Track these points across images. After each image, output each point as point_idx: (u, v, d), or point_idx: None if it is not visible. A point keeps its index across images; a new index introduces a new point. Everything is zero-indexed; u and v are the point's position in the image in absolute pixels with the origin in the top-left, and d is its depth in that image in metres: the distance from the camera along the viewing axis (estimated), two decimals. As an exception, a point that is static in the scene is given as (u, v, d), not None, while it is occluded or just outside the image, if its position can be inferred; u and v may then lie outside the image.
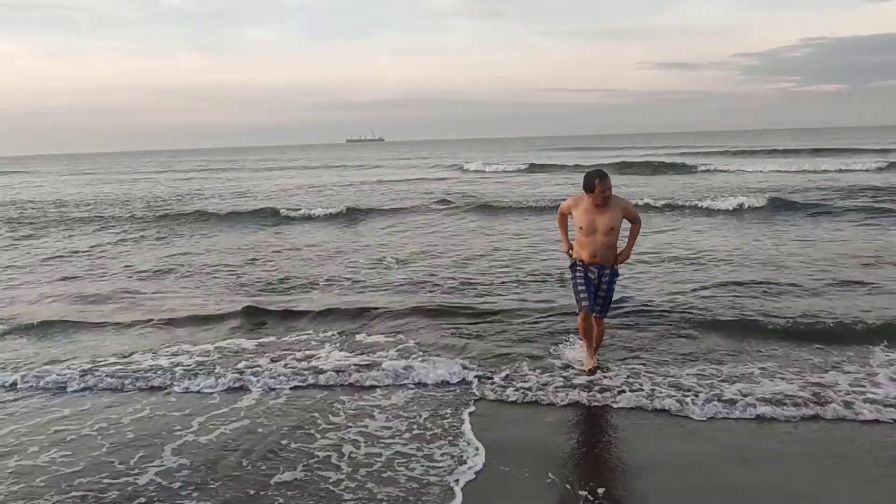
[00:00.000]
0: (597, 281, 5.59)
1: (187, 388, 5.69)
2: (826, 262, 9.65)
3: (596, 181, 5.30)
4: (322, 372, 5.88)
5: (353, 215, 17.58)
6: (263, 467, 4.25)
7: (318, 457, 4.37)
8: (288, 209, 18.63)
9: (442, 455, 4.35)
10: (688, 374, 5.52)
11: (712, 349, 6.16)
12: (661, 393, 5.15)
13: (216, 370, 6.01)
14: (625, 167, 31.78)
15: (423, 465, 4.22)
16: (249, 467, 4.25)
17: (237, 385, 5.69)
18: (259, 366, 6.06)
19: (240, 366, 6.08)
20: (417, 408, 5.14)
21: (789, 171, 26.78)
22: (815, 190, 19.26)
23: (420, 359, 6.10)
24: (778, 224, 13.80)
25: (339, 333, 7.08)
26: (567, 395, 5.23)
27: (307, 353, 6.41)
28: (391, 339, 6.78)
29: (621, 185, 22.68)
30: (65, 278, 10.73)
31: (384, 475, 4.12)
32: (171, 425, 4.94)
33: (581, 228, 5.47)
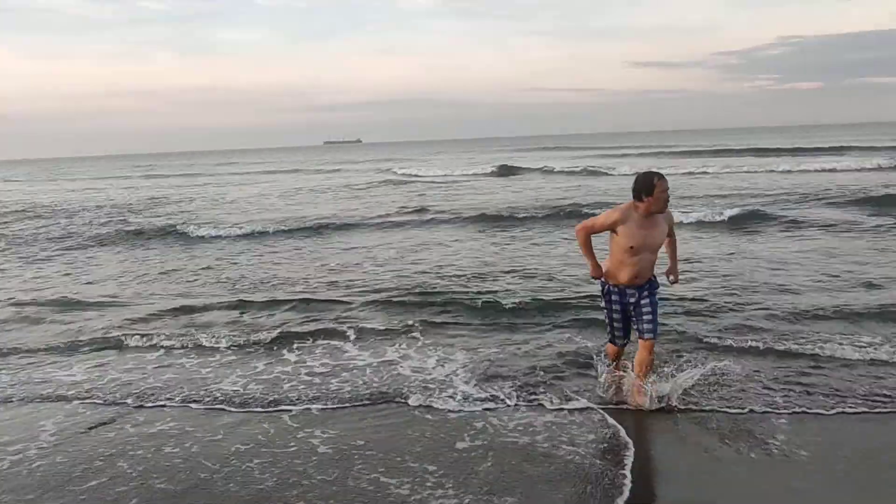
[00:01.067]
0: (634, 302, 4.78)
1: None
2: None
3: (655, 180, 4.49)
4: None
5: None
6: None
7: None
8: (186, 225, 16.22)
9: None
10: None
11: None
12: None
13: None
14: (588, 174, 29.25)
15: None
16: None
17: None
18: None
19: None
20: None
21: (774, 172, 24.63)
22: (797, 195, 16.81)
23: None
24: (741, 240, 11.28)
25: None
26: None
27: None
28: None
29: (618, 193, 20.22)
30: None
31: None
32: None
33: (632, 248, 4.59)
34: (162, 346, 6.65)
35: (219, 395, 5.36)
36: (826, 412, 4.61)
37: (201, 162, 78.27)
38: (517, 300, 7.68)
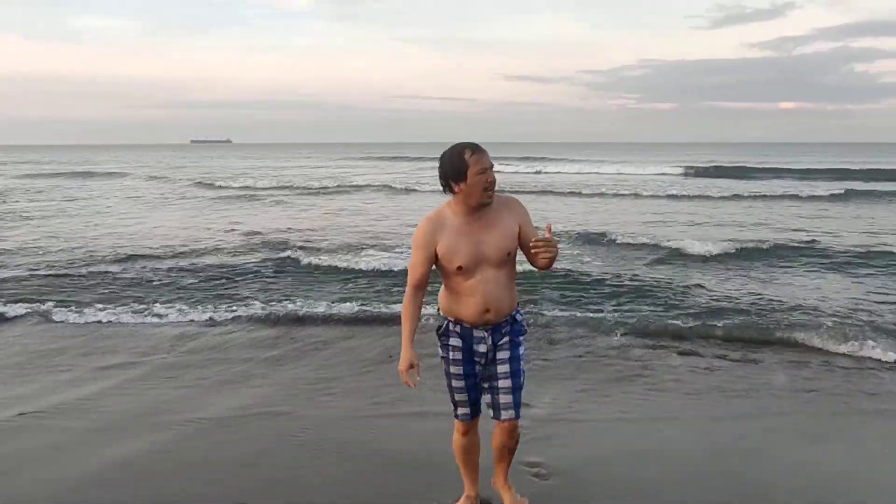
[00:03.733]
0: (489, 355, 3.04)
1: None
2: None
3: (467, 154, 2.83)
4: None
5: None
6: None
7: None
8: None
9: None
10: None
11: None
12: None
13: None
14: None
15: None
16: None
17: None
18: None
19: None
20: None
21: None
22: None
23: None
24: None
25: None
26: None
27: None
28: None
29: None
30: None
31: None
32: None
33: (461, 269, 2.91)
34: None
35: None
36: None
37: (44, 158, 70.97)
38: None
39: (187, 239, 12.74)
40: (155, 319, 7.20)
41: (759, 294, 7.91)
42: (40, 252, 11.32)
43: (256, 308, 7.49)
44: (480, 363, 3.05)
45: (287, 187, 26.21)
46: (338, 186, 26.39)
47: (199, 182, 29.51)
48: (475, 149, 2.84)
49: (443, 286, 3.07)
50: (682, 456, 4.01)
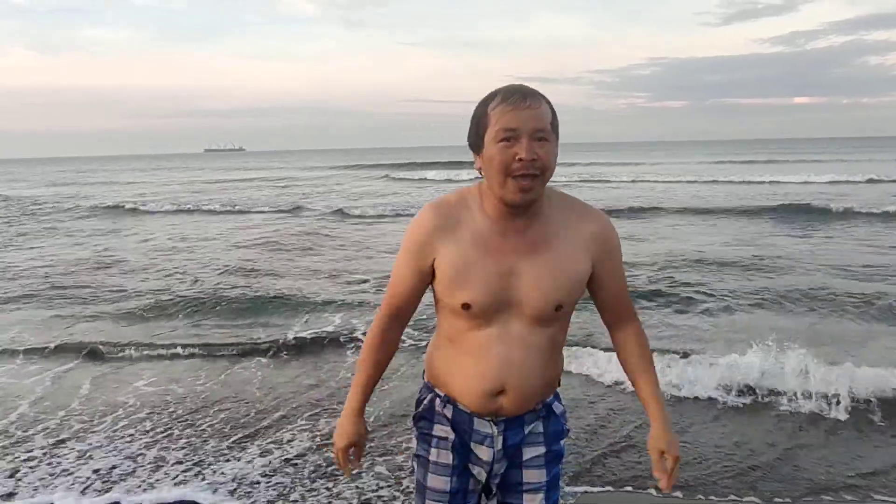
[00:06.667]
0: (496, 468, 1.75)
1: None
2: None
3: (494, 102, 1.54)
4: None
5: None
6: None
7: None
8: None
9: None
10: None
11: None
12: None
13: None
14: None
15: None
16: None
17: None
18: None
19: None
20: None
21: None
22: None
23: None
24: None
25: None
26: None
27: None
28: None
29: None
30: None
31: None
32: None
33: (467, 307, 1.62)
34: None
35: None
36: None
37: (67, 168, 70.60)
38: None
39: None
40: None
41: None
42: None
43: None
44: (479, 479, 1.75)
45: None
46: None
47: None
48: (509, 93, 1.53)
49: (436, 331, 1.79)
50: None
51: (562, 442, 1.79)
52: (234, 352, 6.03)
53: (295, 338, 6.27)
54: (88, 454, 4.02)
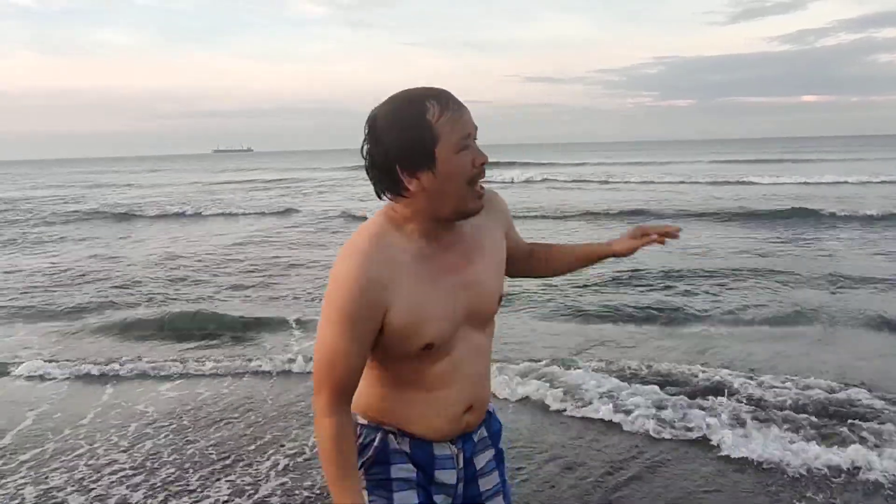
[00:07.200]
0: (458, 488, 1.63)
1: None
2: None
3: (433, 111, 1.37)
4: None
5: None
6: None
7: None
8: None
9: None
10: None
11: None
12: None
13: None
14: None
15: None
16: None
17: None
18: None
19: None
20: None
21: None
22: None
23: None
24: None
25: None
26: None
27: None
28: None
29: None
30: None
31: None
32: None
33: (430, 347, 1.46)
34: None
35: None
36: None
37: (91, 170, 70.67)
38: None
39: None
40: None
41: None
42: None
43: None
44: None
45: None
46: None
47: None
48: (443, 100, 1.39)
49: (370, 374, 1.55)
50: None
51: (503, 457, 1.76)
52: (234, 371, 5.79)
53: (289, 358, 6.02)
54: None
